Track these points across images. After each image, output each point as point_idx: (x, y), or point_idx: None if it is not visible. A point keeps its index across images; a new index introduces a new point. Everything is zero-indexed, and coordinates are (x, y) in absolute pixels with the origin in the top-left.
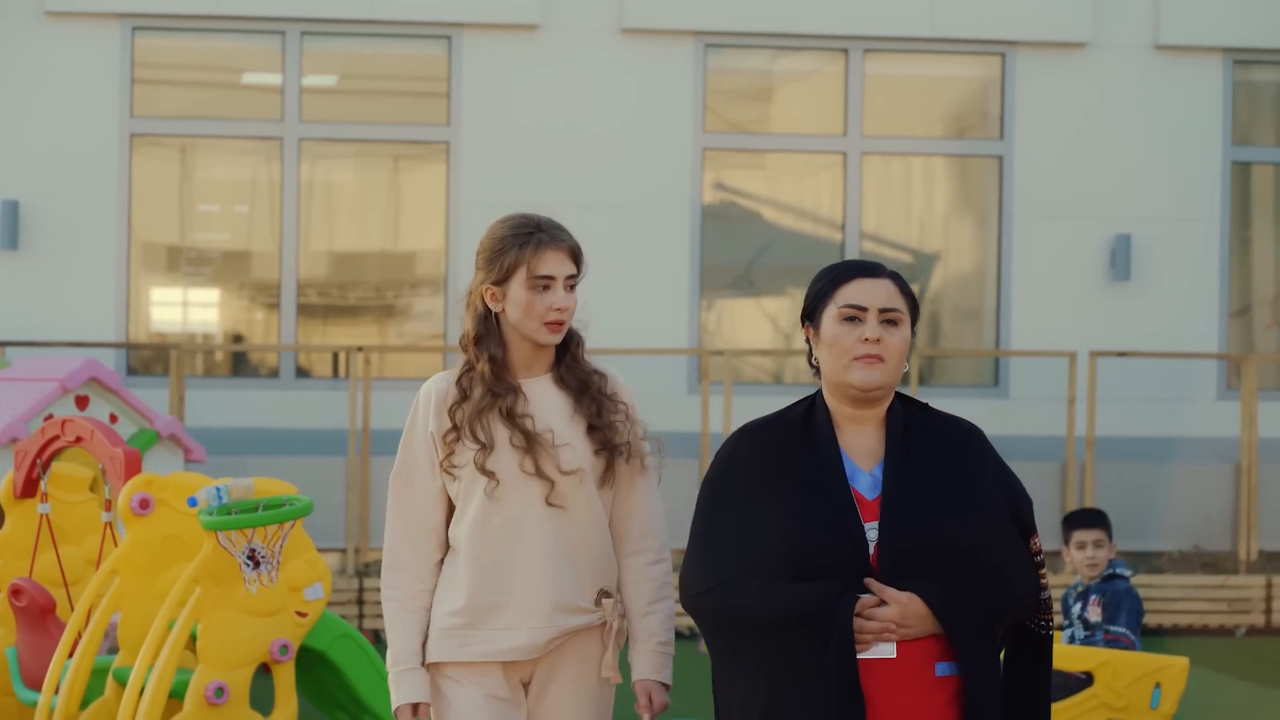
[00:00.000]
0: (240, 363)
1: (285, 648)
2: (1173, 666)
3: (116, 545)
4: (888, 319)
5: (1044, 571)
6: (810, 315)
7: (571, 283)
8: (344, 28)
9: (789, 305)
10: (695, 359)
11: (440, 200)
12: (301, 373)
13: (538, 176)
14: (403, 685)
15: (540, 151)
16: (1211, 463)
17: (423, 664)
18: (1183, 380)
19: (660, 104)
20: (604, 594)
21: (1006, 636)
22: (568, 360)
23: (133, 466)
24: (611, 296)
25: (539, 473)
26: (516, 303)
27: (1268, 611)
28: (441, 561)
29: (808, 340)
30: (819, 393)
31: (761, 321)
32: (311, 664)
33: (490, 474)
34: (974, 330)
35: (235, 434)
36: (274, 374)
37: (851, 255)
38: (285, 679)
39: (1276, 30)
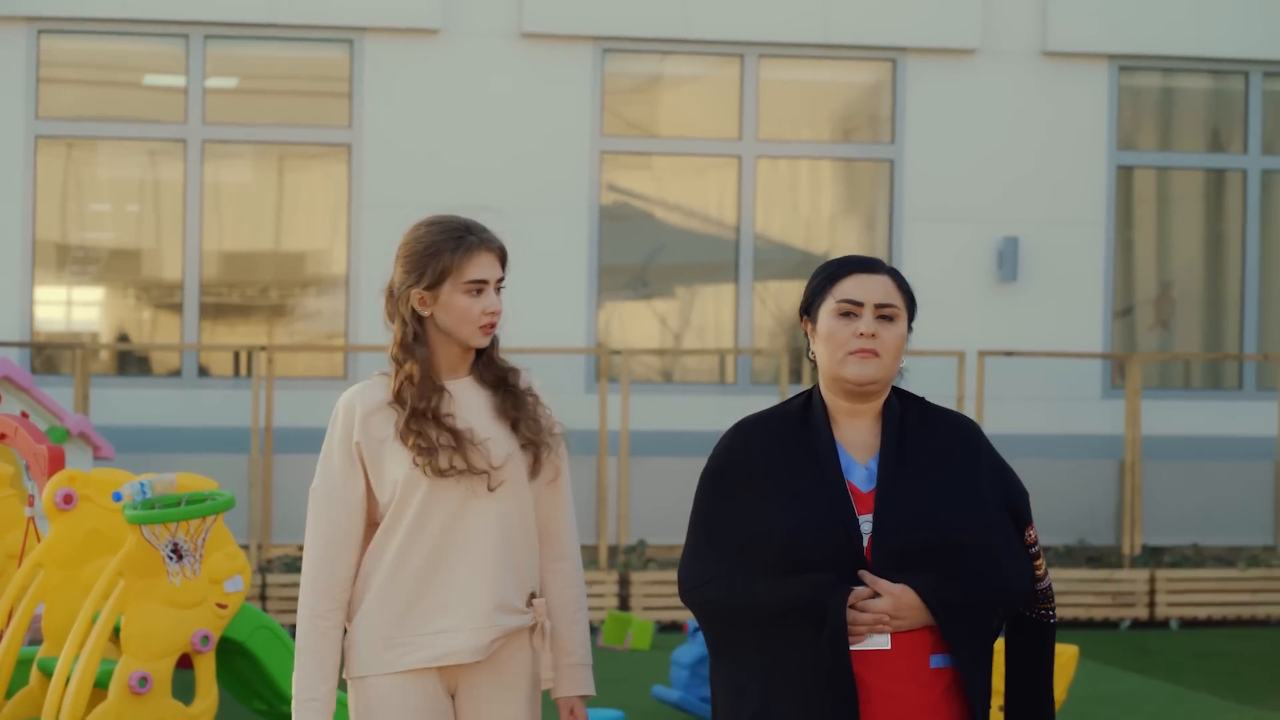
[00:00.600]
0: (134, 362)
1: (206, 638)
2: (1062, 654)
3: (39, 540)
4: (884, 314)
5: (1041, 561)
6: (808, 310)
7: (500, 285)
8: (247, 31)
9: (681, 305)
10: (593, 358)
11: (342, 201)
12: (203, 371)
13: (438, 179)
14: (303, 714)
15: (440, 154)
16: (1096, 459)
17: (334, 690)
18: (1068, 379)
19: (559, 107)
20: (533, 595)
21: (1008, 627)
22: (485, 359)
23: (56, 463)
24: (511, 297)
25: (471, 468)
26: (449, 307)
27: (1151, 605)
28: (356, 575)
29: (805, 334)
30: (815, 387)
31: (654, 321)
32: (230, 654)
33: (444, 473)
34: None
35: (138, 432)
36: (176, 373)
37: (745, 256)
38: (206, 669)
39: (1160, 37)
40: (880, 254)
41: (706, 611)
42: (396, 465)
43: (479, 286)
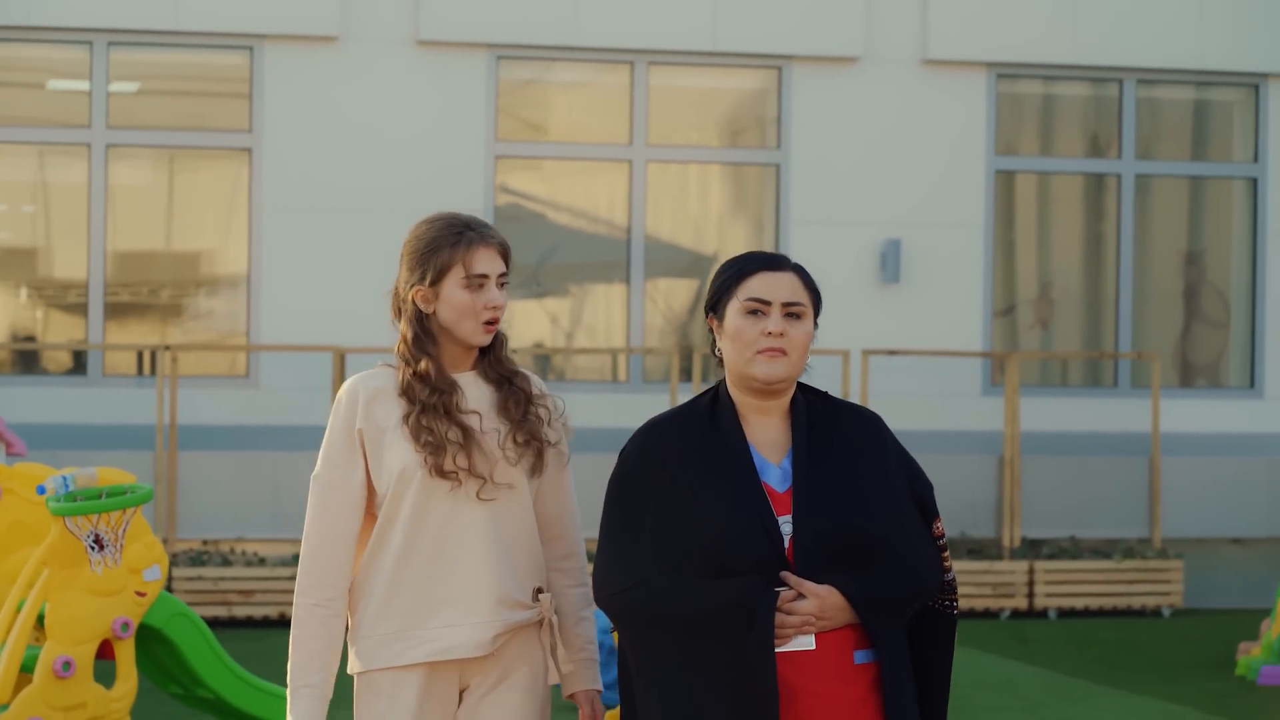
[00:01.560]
0: (34, 361)
1: (126, 625)
2: None
3: None
4: (791, 312)
5: (947, 554)
6: (714, 307)
7: (503, 280)
8: (150, 38)
9: (573, 304)
10: None
11: (242, 204)
12: (107, 369)
13: (338, 182)
14: (299, 705)
15: (340, 158)
16: (977, 454)
17: (330, 679)
18: (949, 377)
19: (454, 113)
20: (539, 590)
21: (915, 618)
22: (491, 357)
23: None
24: None
25: (472, 470)
26: (451, 303)
27: (1030, 595)
28: (354, 566)
29: (710, 331)
30: (721, 384)
31: (546, 320)
32: (148, 641)
33: (446, 473)
34: None
35: (42, 430)
36: (77, 371)
37: (636, 257)
38: (126, 654)
39: (1038, 46)
40: None
41: (627, 617)
42: (395, 456)
43: (480, 281)
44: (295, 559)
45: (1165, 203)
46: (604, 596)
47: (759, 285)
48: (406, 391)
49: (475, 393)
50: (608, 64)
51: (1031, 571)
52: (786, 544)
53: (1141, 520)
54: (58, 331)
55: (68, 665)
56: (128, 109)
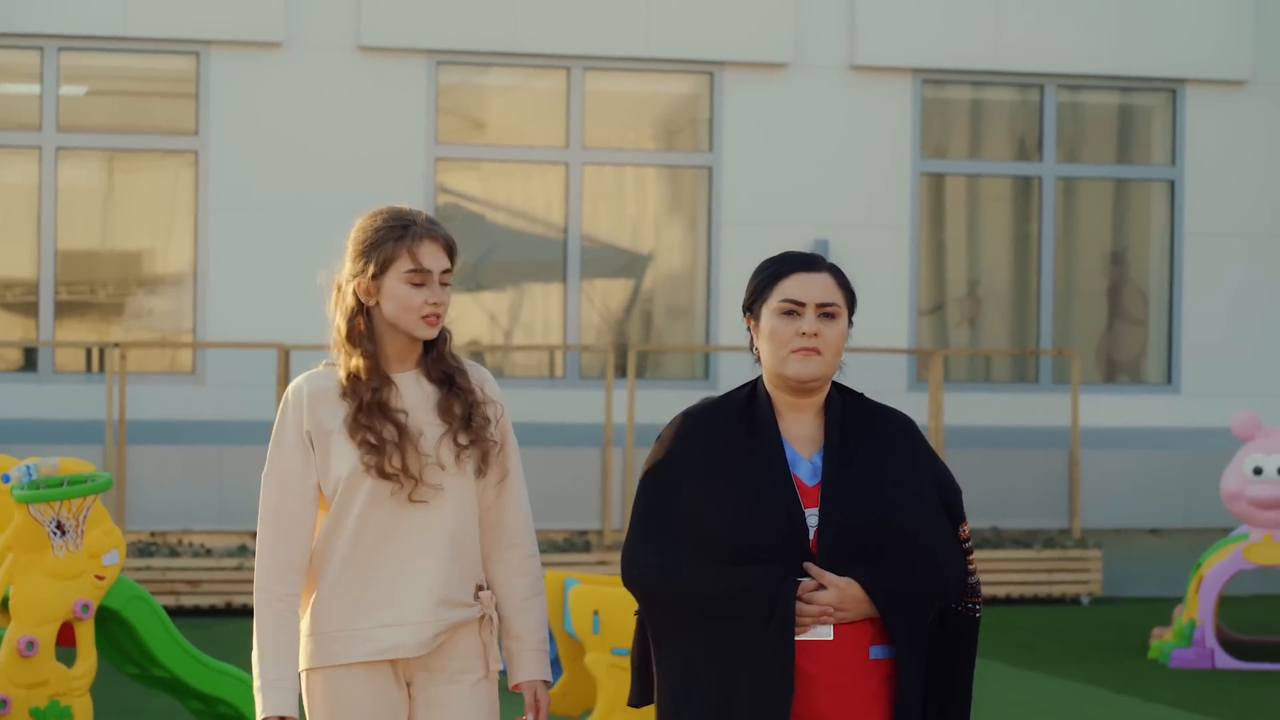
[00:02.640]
0: None
1: (86, 607)
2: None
3: None
4: (825, 312)
5: (972, 557)
6: (750, 307)
7: (446, 278)
8: (99, 43)
9: (511, 302)
10: None
11: (189, 205)
12: (57, 366)
13: (282, 184)
14: (272, 696)
15: (284, 160)
16: None
17: (298, 670)
18: (876, 373)
19: (395, 116)
20: (480, 587)
21: (939, 619)
22: (434, 354)
23: None
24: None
25: (406, 471)
26: (393, 296)
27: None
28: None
29: (749, 330)
30: (759, 380)
31: (484, 318)
32: (107, 622)
33: (387, 474)
34: (685, 326)
35: None
36: (30, 368)
37: (573, 256)
38: (86, 635)
39: (962, 52)
40: (700, 255)
41: (651, 598)
42: (342, 459)
43: (422, 277)
44: (241, 550)
45: (1088, 204)
46: (630, 576)
47: (794, 286)
48: (347, 389)
49: (416, 392)
50: (544, 69)
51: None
52: (811, 536)
53: (1062, 511)
54: (8, 329)
55: (31, 644)
56: (77, 112)
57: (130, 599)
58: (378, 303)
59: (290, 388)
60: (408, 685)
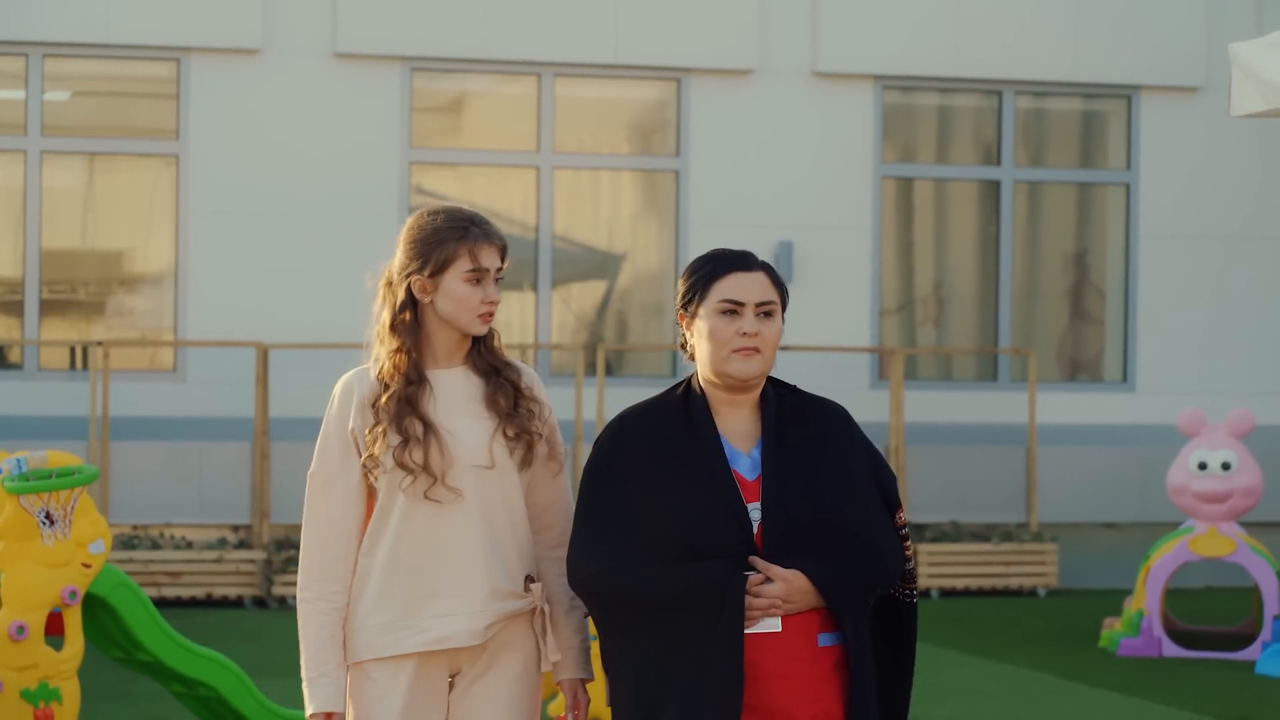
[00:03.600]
0: None
1: (74, 593)
2: None
3: None
4: (763, 311)
5: (908, 544)
6: (686, 305)
7: (499, 276)
8: (82, 50)
9: None
10: None
11: (170, 207)
12: (42, 364)
13: (261, 186)
14: (317, 692)
15: (262, 163)
16: None
17: (343, 667)
18: (839, 371)
19: (371, 121)
20: (529, 579)
21: (879, 608)
22: (481, 349)
23: None
24: (330, 297)
25: (428, 467)
26: (450, 294)
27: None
28: (356, 560)
29: (680, 325)
30: (691, 378)
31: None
32: (93, 608)
33: (409, 468)
34: (657, 325)
35: None
36: (16, 365)
37: (544, 258)
38: (73, 620)
39: (922, 59)
40: (668, 257)
41: (601, 600)
42: (387, 454)
43: (480, 275)
44: (220, 543)
45: (1047, 208)
46: (577, 580)
47: (732, 286)
48: (381, 378)
49: (460, 386)
50: (516, 75)
51: (915, 554)
52: (755, 530)
53: (1019, 506)
54: None
55: (21, 629)
56: (61, 117)
57: (116, 586)
58: (432, 300)
59: (339, 385)
60: (453, 676)
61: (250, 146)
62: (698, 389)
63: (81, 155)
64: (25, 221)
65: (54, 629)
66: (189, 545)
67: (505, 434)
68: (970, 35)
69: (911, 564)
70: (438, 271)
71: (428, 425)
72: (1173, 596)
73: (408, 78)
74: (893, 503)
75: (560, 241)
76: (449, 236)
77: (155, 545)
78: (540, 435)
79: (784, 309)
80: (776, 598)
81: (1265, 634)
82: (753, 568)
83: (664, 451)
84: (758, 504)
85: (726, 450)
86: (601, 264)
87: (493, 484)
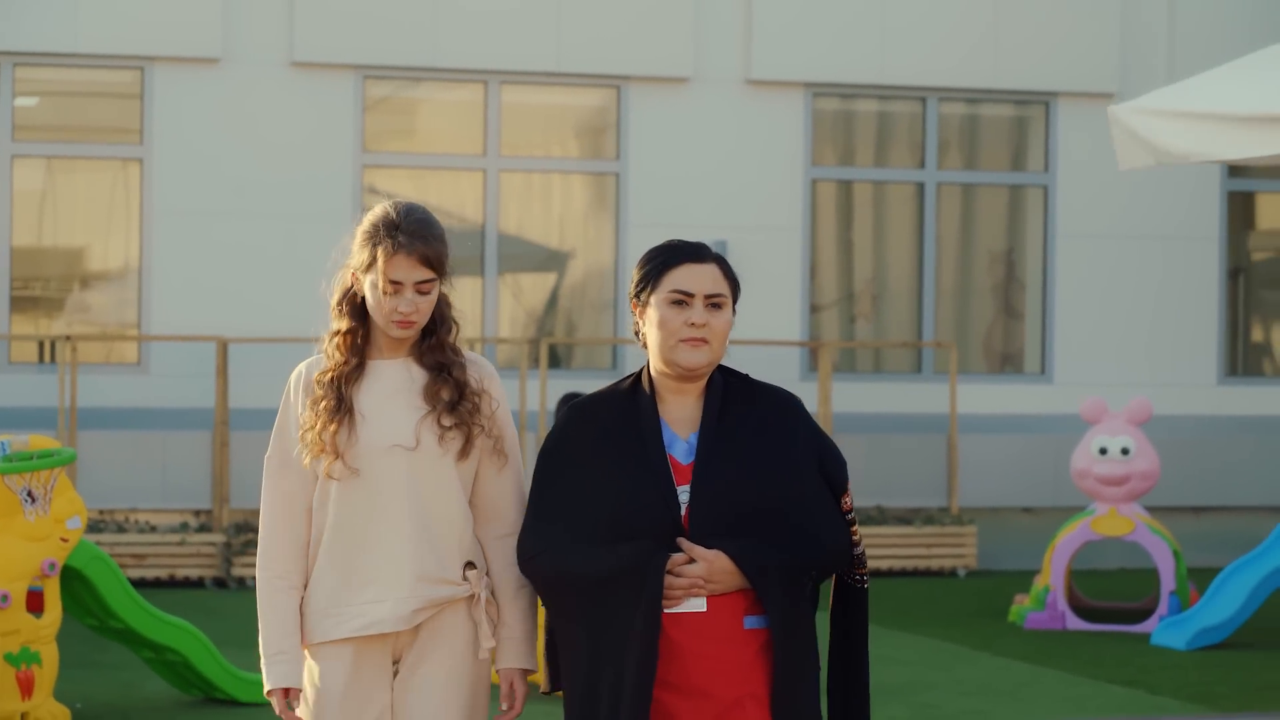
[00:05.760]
0: None
1: (53, 565)
2: None
3: None
4: (713, 303)
5: (856, 528)
6: (639, 295)
7: (425, 287)
8: (52, 59)
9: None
10: None
11: (135, 208)
12: (12, 357)
13: (220, 188)
14: (274, 670)
15: (222, 167)
16: None
17: (300, 645)
18: (771, 364)
19: (325, 126)
20: (469, 566)
21: (831, 594)
22: (431, 342)
23: None
24: (286, 293)
25: (333, 447)
26: (371, 294)
27: None
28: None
29: (634, 316)
30: (644, 369)
31: None
32: (70, 579)
33: (321, 446)
34: (599, 321)
35: None
36: None
37: (490, 256)
38: (52, 590)
39: (850, 67)
40: (608, 258)
41: (540, 581)
42: (309, 432)
43: (395, 287)
44: (182, 527)
45: (971, 209)
46: (522, 562)
47: (683, 277)
48: (325, 351)
49: (402, 376)
50: (463, 82)
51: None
52: (683, 512)
53: (941, 491)
54: None
55: (5, 598)
56: (32, 122)
57: (91, 559)
58: (364, 293)
59: (294, 373)
60: (396, 662)
61: (211, 150)
62: (648, 377)
63: (50, 159)
64: None
65: (33, 605)
66: (153, 529)
67: (440, 422)
68: (896, 44)
69: (860, 549)
70: (364, 269)
71: (342, 404)
72: (1088, 577)
73: (360, 85)
74: (839, 489)
75: (509, 240)
76: (375, 239)
77: (121, 529)
78: (481, 428)
79: (735, 301)
80: (698, 578)
81: (1162, 608)
82: (679, 549)
83: (606, 437)
84: (688, 487)
85: (666, 435)
86: (549, 262)
87: (421, 470)
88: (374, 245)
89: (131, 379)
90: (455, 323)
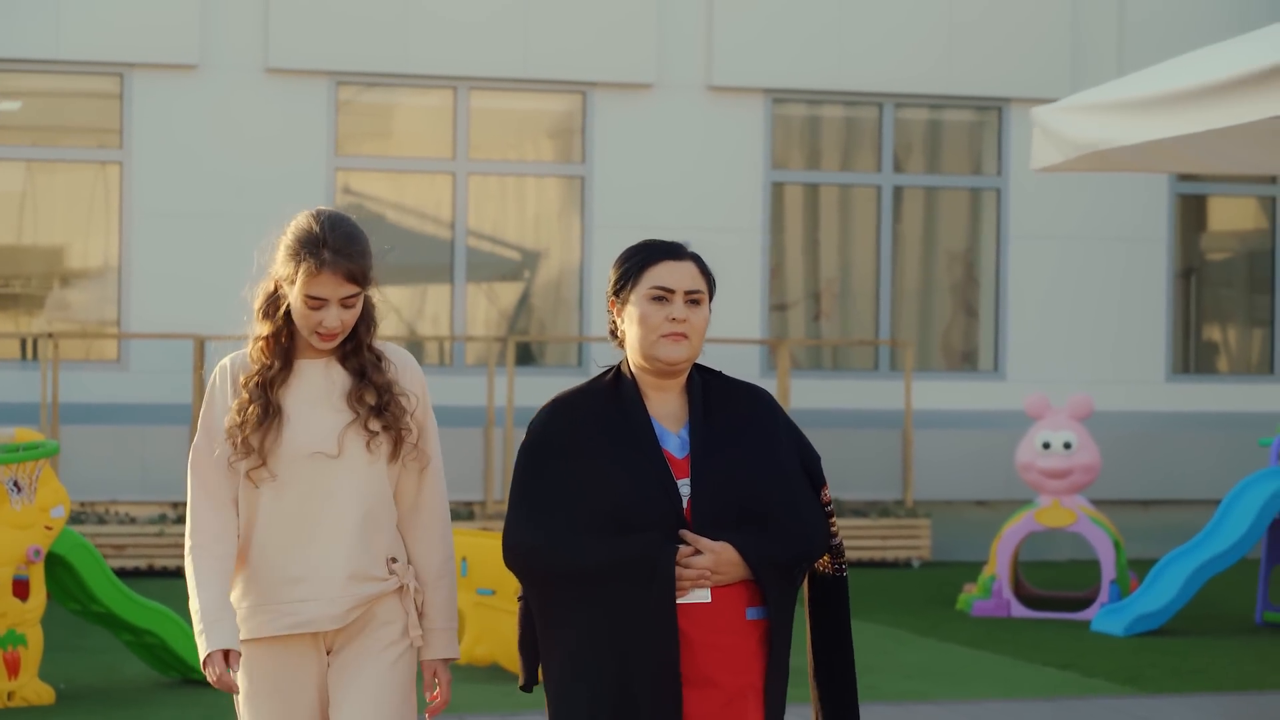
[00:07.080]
0: None
1: (38, 551)
2: None
3: None
4: (692, 299)
5: (834, 520)
6: (618, 292)
7: (349, 302)
8: (33, 65)
9: (412, 296)
10: None
11: (115, 210)
12: None
13: (198, 191)
14: (213, 633)
15: (200, 169)
16: None
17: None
18: (732, 362)
19: (299, 130)
20: (393, 559)
21: (809, 585)
22: (353, 344)
23: None
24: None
25: (260, 449)
26: (293, 305)
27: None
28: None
29: (611, 314)
30: (620, 365)
31: (387, 310)
32: (54, 565)
33: (249, 448)
34: (565, 319)
35: None
36: None
37: (459, 256)
38: (37, 576)
39: (808, 74)
40: (574, 259)
41: (536, 575)
42: (235, 432)
43: (317, 303)
44: (161, 519)
45: (928, 211)
46: (514, 556)
47: (663, 274)
48: (251, 358)
49: (323, 379)
50: (433, 88)
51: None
52: (685, 504)
53: (896, 484)
54: None
55: None
56: (14, 125)
57: (74, 546)
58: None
59: (218, 366)
60: (329, 653)
61: (188, 153)
62: (628, 374)
63: (31, 162)
64: None
65: (19, 591)
66: (132, 520)
67: (366, 427)
68: (852, 52)
69: (838, 539)
70: (288, 282)
71: (269, 409)
72: (1039, 567)
73: (333, 90)
74: (817, 480)
75: (477, 240)
76: (298, 253)
77: (101, 520)
78: (410, 430)
79: (711, 298)
80: (705, 569)
81: (1103, 596)
82: (683, 540)
83: (596, 432)
84: (687, 480)
85: (656, 430)
86: (516, 262)
87: (347, 474)
88: (298, 261)
89: (111, 375)
90: (375, 321)
